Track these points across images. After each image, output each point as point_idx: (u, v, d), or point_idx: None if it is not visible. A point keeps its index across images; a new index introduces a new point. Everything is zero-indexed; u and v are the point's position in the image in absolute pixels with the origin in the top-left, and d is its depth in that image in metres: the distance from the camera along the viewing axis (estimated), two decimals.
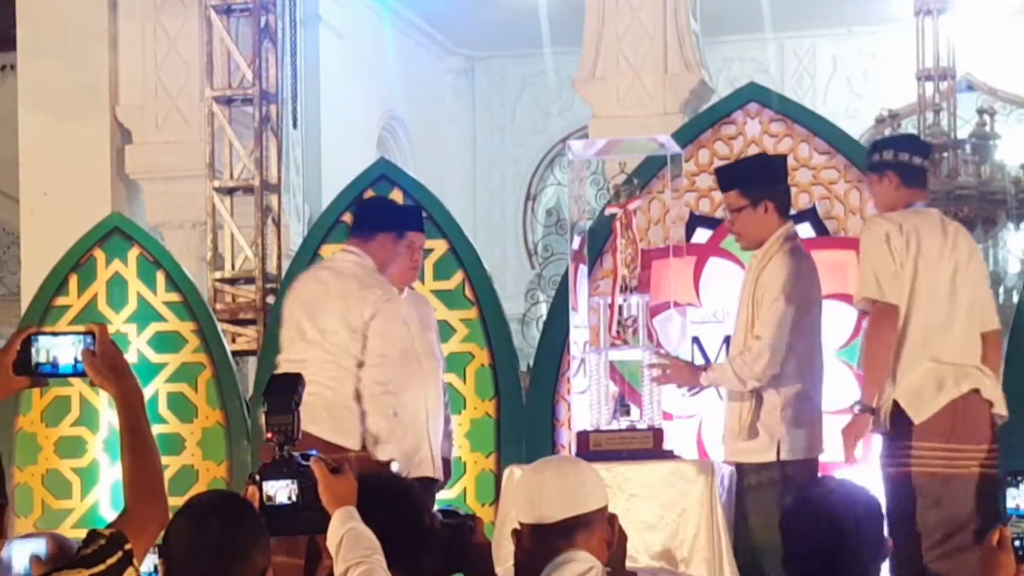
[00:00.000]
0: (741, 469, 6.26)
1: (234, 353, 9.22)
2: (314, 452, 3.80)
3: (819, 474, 6.23)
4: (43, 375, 3.12)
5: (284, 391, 3.81)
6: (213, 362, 8.77)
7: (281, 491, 3.66)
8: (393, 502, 3.84)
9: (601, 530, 3.69)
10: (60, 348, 3.10)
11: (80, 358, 3.08)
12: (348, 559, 3.58)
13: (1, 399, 3.18)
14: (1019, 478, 3.81)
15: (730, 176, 6.39)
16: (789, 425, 6.15)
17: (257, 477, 3.69)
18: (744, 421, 6.17)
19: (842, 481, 3.89)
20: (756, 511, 6.10)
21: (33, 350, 3.10)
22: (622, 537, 3.81)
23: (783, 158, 6.83)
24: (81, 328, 3.13)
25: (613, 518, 3.76)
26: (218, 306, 9.74)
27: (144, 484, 3.08)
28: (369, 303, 6.33)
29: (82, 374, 3.10)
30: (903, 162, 6.13)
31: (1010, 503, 3.78)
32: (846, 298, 7.59)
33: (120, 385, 3.13)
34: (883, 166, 6.16)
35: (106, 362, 3.10)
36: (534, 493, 3.69)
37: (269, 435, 3.72)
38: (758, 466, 6.16)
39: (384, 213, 6.81)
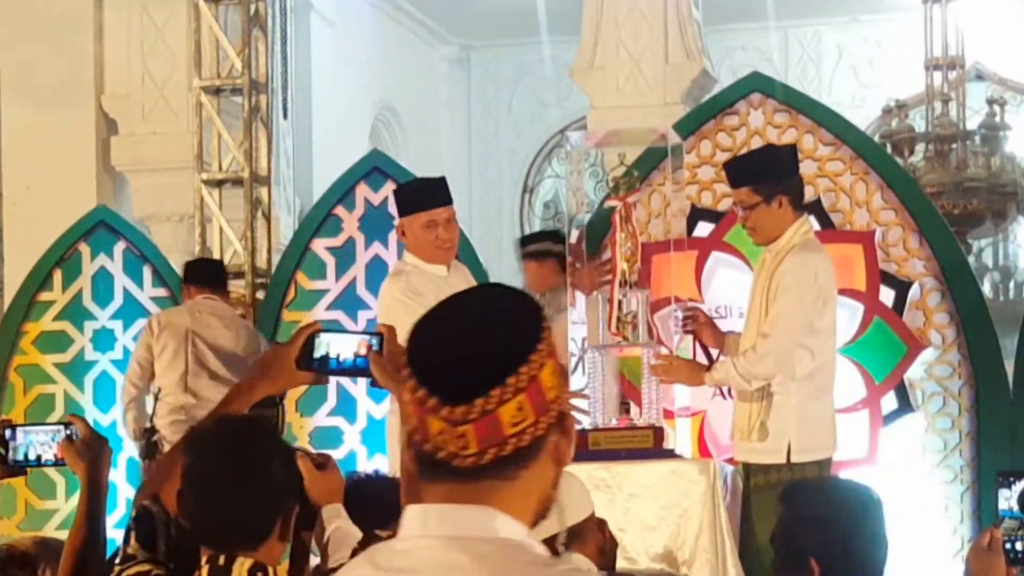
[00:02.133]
0: (748, 469, 6.23)
1: None
2: (299, 447, 3.78)
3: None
4: (325, 371, 3.16)
5: None
6: None
7: None
8: (374, 500, 3.82)
9: (593, 537, 3.69)
10: (343, 345, 3.12)
11: (363, 354, 3.10)
12: (336, 558, 3.53)
13: (281, 391, 3.24)
14: (1011, 479, 3.77)
15: (740, 172, 6.33)
16: (800, 426, 6.12)
17: None
18: (754, 421, 6.15)
19: (841, 479, 3.88)
20: (763, 513, 6.06)
21: (316, 345, 3.13)
22: (612, 541, 3.82)
23: (792, 148, 6.79)
24: (367, 330, 3.16)
25: (603, 523, 3.76)
26: None
27: None
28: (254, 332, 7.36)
29: (364, 371, 3.10)
30: None
31: (1002, 504, 3.74)
32: (852, 293, 7.58)
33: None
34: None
35: (392, 363, 3.06)
36: None
37: None
38: (767, 467, 6.14)
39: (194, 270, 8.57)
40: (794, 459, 6.09)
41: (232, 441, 3.08)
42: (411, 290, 6.20)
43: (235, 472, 3.05)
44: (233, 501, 3.03)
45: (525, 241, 8.24)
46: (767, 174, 6.24)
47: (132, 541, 3.18)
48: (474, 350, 1.74)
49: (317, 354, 3.12)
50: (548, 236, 8.17)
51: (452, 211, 6.41)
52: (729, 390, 6.56)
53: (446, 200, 6.40)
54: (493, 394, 1.73)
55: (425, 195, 6.43)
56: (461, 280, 6.43)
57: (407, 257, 6.43)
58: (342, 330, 3.22)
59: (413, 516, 1.77)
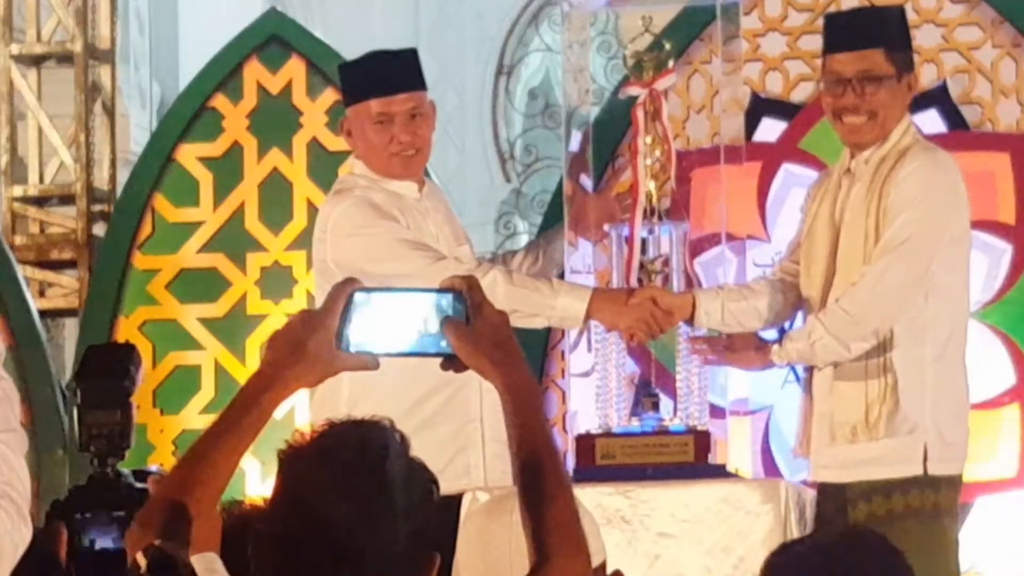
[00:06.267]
0: (845, 492, 6.20)
1: (43, 313, 9.31)
2: (156, 469, 3.83)
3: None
4: (376, 353, 3.17)
5: (107, 371, 3.81)
6: (9, 327, 8.82)
7: (104, 530, 3.67)
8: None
9: None
10: (399, 313, 3.15)
11: (442, 331, 3.14)
12: None
13: (319, 382, 3.28)
14: None
15: (874, 25, 6.34)
16: (939, 415, 6.11)
17: (65, 508, 3.70)
18: (876, 411, 6.11)
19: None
20: None
21: (355, 316, 3.14)
22: None
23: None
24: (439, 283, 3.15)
25: None
26: (18, 239, 9.81)
27: (565, 527, 3.24)
28: None
29: (441, 354, 3.15)
30: None
31: None
32: (995, 228, 7.61)
33: (509, 374, 3.25)
34: None
35: (487, 336, 3.19)
36: (494, 551, 3.68)
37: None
38: (888, 485, 6.11)
39: None
40: (931, 470, 6.09)
41: (355, 462, 3.15)
42: (381, 212, 6.26)
43: (363, 509, 3.13)
44: (354, 553, 3.11)
45: None
46: (905, 37, 6.29)
47: None
48: None
49: (360, 328, 3.14)
50: None
51: (419, 99, 6.57)
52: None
53: (409, 82, 6.53)
54: None
55: (378, 74, 6.51)
56: (438, 209, 6.53)
57: (356, 167, 6.51)
58: (394, 288, 3.23)
59: None
